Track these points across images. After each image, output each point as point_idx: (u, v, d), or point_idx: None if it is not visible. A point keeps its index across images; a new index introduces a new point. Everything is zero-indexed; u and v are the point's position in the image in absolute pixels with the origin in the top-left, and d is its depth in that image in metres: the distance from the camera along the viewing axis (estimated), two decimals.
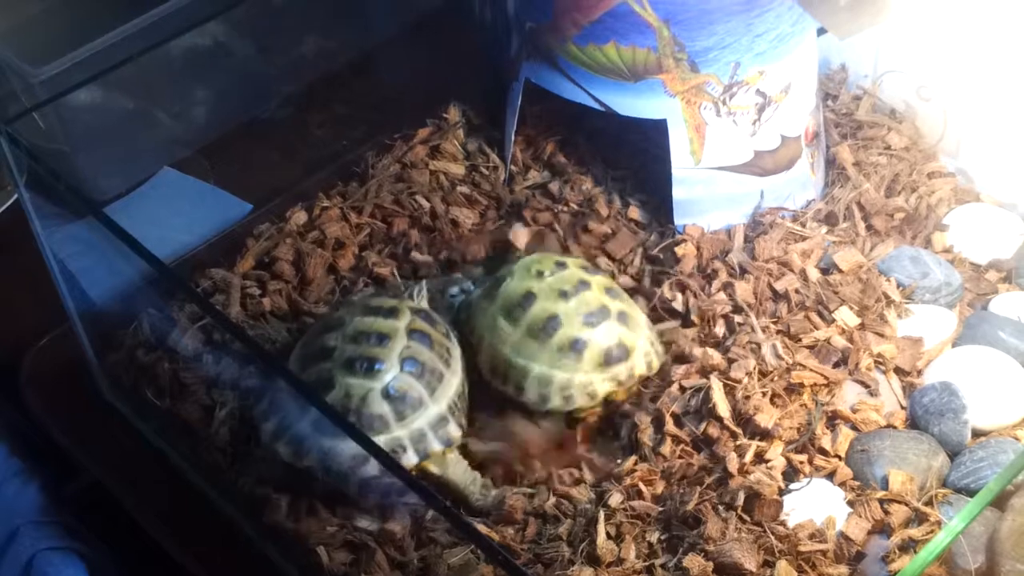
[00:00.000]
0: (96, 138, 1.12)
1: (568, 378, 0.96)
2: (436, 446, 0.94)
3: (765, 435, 0.92)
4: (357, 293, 1.07)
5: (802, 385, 0.95)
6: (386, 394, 0.93)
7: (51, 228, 0.99)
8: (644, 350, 0.98)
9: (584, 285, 0.98)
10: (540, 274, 0.99)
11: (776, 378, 0.95)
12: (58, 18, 1.23)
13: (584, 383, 0.96)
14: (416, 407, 0.94)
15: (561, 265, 0.99)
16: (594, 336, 0.96)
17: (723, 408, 0.93)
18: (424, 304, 1.02)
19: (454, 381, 0.97)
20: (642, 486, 0.90)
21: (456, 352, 0.99)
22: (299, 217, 1.14)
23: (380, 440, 0.92)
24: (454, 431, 0.95)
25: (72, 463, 1.05)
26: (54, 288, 1.02)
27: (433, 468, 0.94)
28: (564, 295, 0.97)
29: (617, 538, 0.88)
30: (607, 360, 0.96)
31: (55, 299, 1.03)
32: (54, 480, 1.06)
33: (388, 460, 0.84)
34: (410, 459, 0.93)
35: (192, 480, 0.99)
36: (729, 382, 0.95)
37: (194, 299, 1.02)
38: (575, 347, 0.96)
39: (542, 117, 1.17)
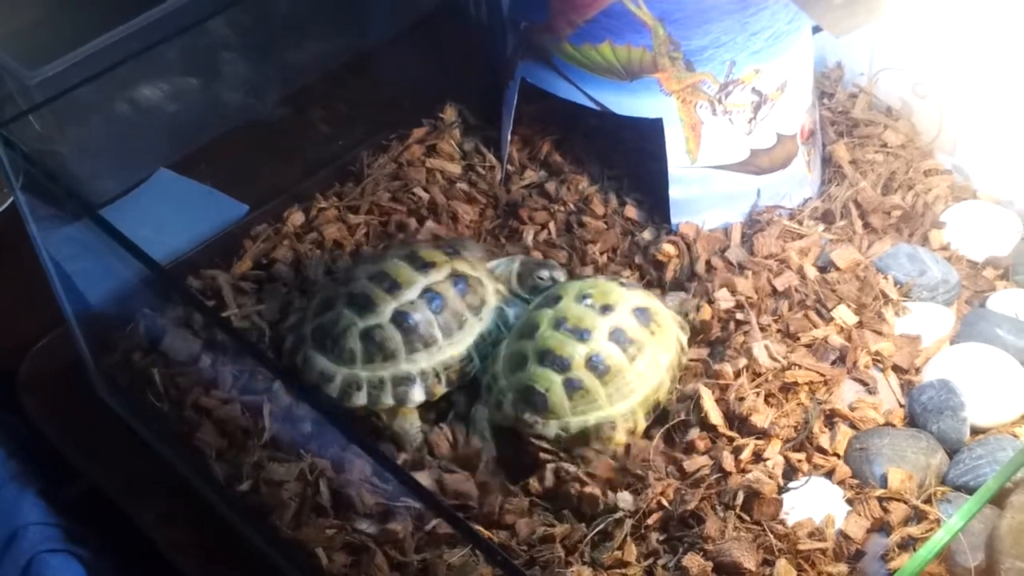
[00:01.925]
0: (92, 140, 1.12)
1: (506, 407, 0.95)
2: (388, 400, 0.96)
3: (762, 435, 0.92)
4: (422, 238, 1.09)
5: (797, 384, 0.95)
6: (364, 335, 0.96)
7: (47, 230, 0.99)
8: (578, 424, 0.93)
9: (585, 333, 0.94)
10: (583, 298, 0.95)
11: (771, 378, 0.95)
12: (54, 20, 1.23)
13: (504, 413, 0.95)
14: (388, 358, 0.96)
15: (608, 309, 0.95)
16: (551, 381, 0.93)
17: (715, 416, 0.93)
18: (498, 272, 1.03)
19: (449, 351, 0.97)
20: (662, 500, 0.90)
21: (474, 327, 0.98)
22: (296, 218, 1.14)
23: (341, 372, 0.97)
24: (416, 395, 0.97)
25: (70, 466, 1.05)
26: (50, 291, 1.02)
27: (383, 417, 0.97)
28: (559, 324, 0.94)
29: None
30: (525, 402, 0.94)
31: (52, 302, 1.03)
32: (52, 483, 1.06)
33: (385, 460, 0.84)
34: (359, 399, 0.96)
35: (190, 482, 0.99)
36: (722, 383, 0.95)
37: (190, 301, 1.02)
38: (525, 394, 0.94)
39: (538, 116, 1.17)
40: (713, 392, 0.94)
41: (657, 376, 0.95)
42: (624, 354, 0.94)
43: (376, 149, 1.19)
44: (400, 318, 0.97)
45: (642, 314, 0.96)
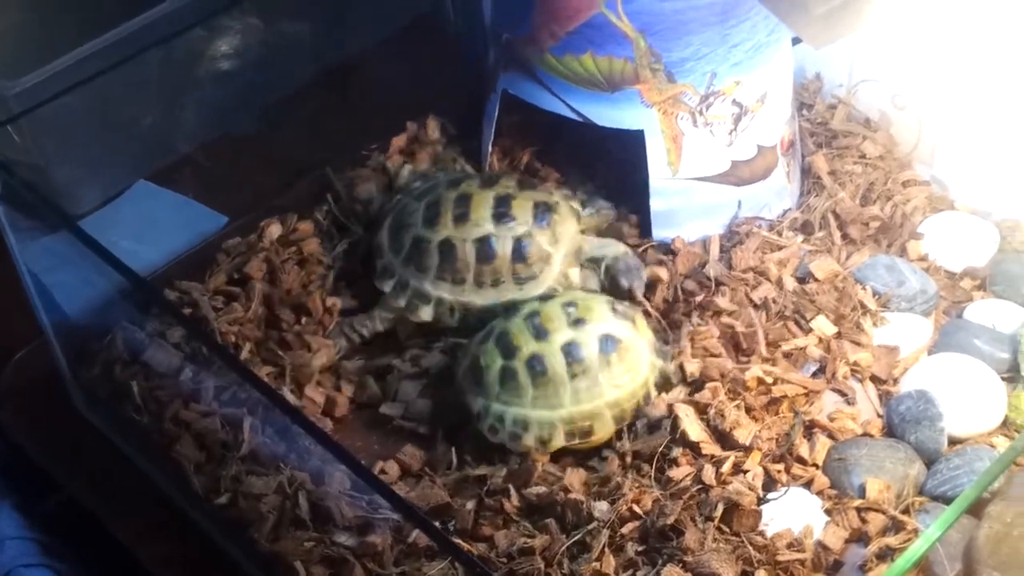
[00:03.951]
0: (71, 151, 1.11)
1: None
2: (400, 303, 1.03)
3: (744, 449, 0.92)
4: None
5: (785, 397, 0.95)
6: (444, 246, 1.03)
7: (26, 241, 0.98)
8: (515, 420, 0.95)
9: (544, 333, 0.95)
10: (567, 305, 0.96)
11: (756, 394, 0.95)
12: (32, 30, 1.22)
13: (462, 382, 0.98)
14: (421, 269, 1.03)
15: (580, 323, 0.95)
16: (494, 361, 0.96)
17: (695, 433, 0.92)
18: (596, 251, 1.06)
19: (472, 298, 1.02)
20: (635, 507, 0.90)
21: (508, 292, 1.02)
22: (274, 230, 1.13)
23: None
24: (424, 313, 1.03)
25: (48, 478, 1.05)
26: (28, 302, 1.01)
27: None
28: (530, 316, 0.96)
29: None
30: (471, 370, 0.97)
31: (30, 313, 1.02)
32: (30, 496, 1.06)
33: (367, 474, 0.84)
34: (385, 286, 1.04)
35: (169, 495, 0.99)
36: (703, 401, 0.95)
37: (170, 312, 1.02)
38: (472, 364, 0.97)
39: (519, 127, 1.17)
40: (693, 408, 0.94)
41: (593, 404, 0.94)
42: (566, 368, 0.94)
43: (357, 160, 1.19)
44: (447, 245, 1.02)
45: (608, 342, 0.95)
